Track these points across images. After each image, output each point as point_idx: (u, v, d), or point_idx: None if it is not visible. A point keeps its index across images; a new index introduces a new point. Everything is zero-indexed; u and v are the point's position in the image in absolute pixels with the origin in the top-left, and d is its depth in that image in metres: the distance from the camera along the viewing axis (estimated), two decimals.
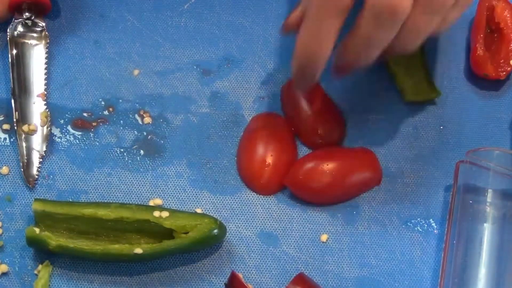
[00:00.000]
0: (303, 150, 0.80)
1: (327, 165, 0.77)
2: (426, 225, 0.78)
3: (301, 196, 0.78)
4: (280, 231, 0.77)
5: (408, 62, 0.84)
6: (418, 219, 0.79)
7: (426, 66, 0.84)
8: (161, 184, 0.78)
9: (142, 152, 0.79)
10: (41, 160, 0.78)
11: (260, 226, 0.78)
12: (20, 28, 0.81)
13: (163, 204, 0.77)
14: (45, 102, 0.80)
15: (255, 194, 0.78)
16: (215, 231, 0.74)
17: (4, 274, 0.74)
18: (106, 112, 0.81)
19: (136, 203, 0.77)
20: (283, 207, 0.78)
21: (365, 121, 0.82)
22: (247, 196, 0.78)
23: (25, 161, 0.77)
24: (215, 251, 0.76)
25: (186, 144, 0.80)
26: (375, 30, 0.68)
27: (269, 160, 0.78)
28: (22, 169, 0.77)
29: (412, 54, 0.84)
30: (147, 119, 0.81)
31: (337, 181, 0.77)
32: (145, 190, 0.78)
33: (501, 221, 0.76)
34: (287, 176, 0.78)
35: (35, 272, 0.74)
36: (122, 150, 0.79)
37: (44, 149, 0.78)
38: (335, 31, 0.69)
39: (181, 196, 0.78)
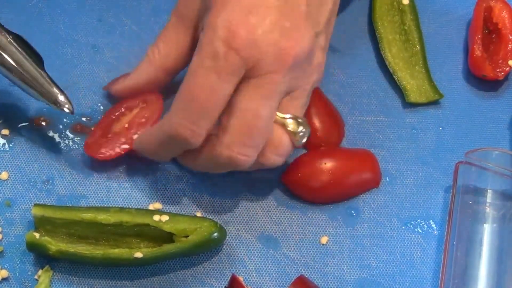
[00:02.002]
0: (302, 152, 0.80)
1: (326, 164, 0.77)
2: (426, 226, 0.78)
3: (299, 195, 0.78)
4: (280, 234, 0.77)
5: (410, 63, 0.84)
6: (418, 220, 0.79)
7: (427, 67, 0.84)
8: (160, 188, 0.78)
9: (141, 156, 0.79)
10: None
11: (260, 229, 0.77)
12: None
13: (163, 208, 0.77)
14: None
15: (254, 197, 0.78)
16: (215, 234, 0.74)
17: (4, 279, 0.74)
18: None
19: (136, 207, 0.77)
20: (282, 209, 0.78)
21: (364, 122, 0.82)
22: (246, 199, 0.78)
23: (55, 94, 0.75)
24: (215, 255, 0.76)
25: None
26: (162, 147, 0.73)
27: None
28: (54, 104, 0.75)
29: (413, 54, 0.84)
30: None
31: (336, 180, 0.77)
32: (144, 194, 0.78)
33: (501, 221, 0.76)
34: (285, 174, 0.78)
35: (36, 277, 0.74)
36: None
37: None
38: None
39: (180, 199, 0.78)
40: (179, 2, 0.76)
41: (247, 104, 0.69)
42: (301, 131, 0.73)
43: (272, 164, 0.73)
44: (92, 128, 0.79)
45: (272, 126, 0.71)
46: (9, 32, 0.74)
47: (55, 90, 0.74)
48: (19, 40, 0.74)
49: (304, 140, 0.73)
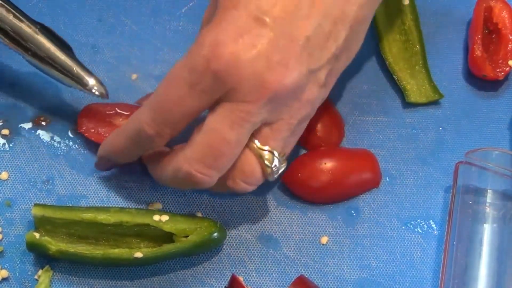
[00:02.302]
0: (302, 152, 0.80)
1: (326, 164, 0.77)
2: (426, 226, 0.78)
3: (299, 195, 0.78)
4: (280, 234, 0.77)
5: (410, 63, 0.84)
6: (418, 220, 0.79)
7: (427, 67, 0.84)
8: (160, 188, 0.78)
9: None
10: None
11: (260, 229, 0.77)
12: None
13: (163, 208, 0.77)
14: None
15: (255, 197, 0.78)
16: (215, 234, 0.74)
17: (4, 279, 0.74)
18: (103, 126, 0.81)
19: (136, 207, 0.77)
20: (282, 209, 0.78)
21: (364, 122, 0.82)
22: (247, 199, 0.78)
23: (86, 78, 0.75)
24: (215, 255, 0.76)
25: None
26: (129, 142, 0.72)
27: None
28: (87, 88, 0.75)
29: (413, 54, 0.84)
30: None
31: (336, 180, 0.77)
32: (144, 194, 0.78)
33: (501, 221, 0.76)
34: (285, 174, 0.78)
35: (36, 277, 0.74)
36: None
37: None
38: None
39: (180, 199, 0.78)
40: (203, 19, 0.76)
41: (215, 125, 0.67)
42: (275, 166, 0.71)
43: (240, 190, 0.72)
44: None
45: (238, 152, 0.69)
46: (36, 23, 0.75)
47: (86, 74, 0.75)
48: (46, 30, 0.75)
49: (277, 175, 0.72)
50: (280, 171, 0.72)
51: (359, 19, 0.71)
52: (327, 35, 0.69)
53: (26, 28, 0.75)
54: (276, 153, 0.70)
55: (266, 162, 0.70)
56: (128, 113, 0.78)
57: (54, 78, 0.76)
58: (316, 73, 0.70)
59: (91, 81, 0.75)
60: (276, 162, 0.70)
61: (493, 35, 0.86)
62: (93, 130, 0.78)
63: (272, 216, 0.78)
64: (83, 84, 0.75)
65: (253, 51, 0.66)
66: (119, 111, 0.79)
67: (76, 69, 0.75)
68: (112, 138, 0.74)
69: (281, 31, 0.67)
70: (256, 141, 0.69)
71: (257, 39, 0.66)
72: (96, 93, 0.75)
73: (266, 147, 0.70)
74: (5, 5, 0.75)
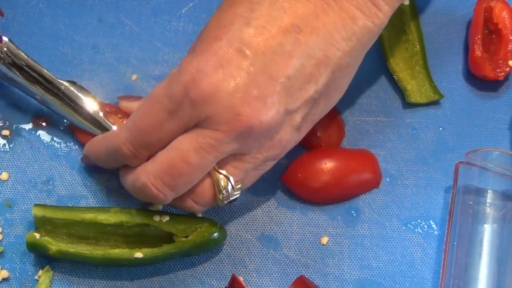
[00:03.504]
0: (302, 152, 0.80)
1: (326, 164, 0.77)
2: (426, 227, 0.78)
3: (299, 195, 0.78)
4: (281, 234, 0.77)
5: (410, 63, 0.84)
6: (418, 220, 0.79)
7: (428, 67, 0.84)
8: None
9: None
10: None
11: (261, 229, 0.77)
12: None
13: (163, 208, 0.77)
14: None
15: (255, 197, 0.78)
16: (215, 234, 0.74)
17: (4, 279, 0.74)
18: None
19: (136, 207, 0.77)
20: (283, 210, 0.78)
21: (364, 122, 0.82)
22: (247, 199, 0.78)
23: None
24: (215, 255, 0.76)
25: None
26: (107, 155, 0.73)
27: None
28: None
29: (413, 54, 0.84)
30: None
31: (336, 181, 0.77)
32: None
33: (501, 221, 0.76)
34: (285, 175, 0.78)
35: (36, 277, 0.74)
36: None
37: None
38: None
39: None
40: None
41: (181, 145, 0.67)
42: (226, 192, 0.70)
43: (188, 208, 0.72)
44: None
45: (199, 177, 0.69)
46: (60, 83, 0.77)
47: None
48: (73, 85, 0.77)
49: (227, 202, 0.71)
50: (231, 199, 0.71)
51: (342, 65, 0.70)
52: (308, 77, 0.68)
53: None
54: (231, 179, 0.70)
55: (220, 186, 0.70)
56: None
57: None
58: (292, 115, 0.69)
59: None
60: (229, 188, 0.70)
61: (493, 36, 0.86)
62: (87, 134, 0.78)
63: (273, 216, 0.78)
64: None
65: (231, 83, 0.66)
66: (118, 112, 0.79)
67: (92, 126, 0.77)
68: (93, 145, 0.75)
69: (262, 66, 0.66)
70: (215, 165, 0.69)
71: (236, 71, 0.66)
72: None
73: (224, 172, 0.70)
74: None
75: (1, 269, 0.74)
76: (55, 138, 0.80)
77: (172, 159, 0.67)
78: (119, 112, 0.78)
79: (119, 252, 0.73)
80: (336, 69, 0.70)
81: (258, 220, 0.78)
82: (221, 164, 0.69)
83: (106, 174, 0.78)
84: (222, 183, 0.70)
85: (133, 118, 0.69)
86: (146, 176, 0.69)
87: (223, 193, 0.70)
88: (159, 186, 0.68)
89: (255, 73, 0.66)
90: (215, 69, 0.66)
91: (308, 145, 0.79)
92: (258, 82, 0.66)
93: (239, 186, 0.71)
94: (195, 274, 0.75)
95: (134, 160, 0.70)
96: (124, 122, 0.72)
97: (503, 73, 0.83)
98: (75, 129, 0.79)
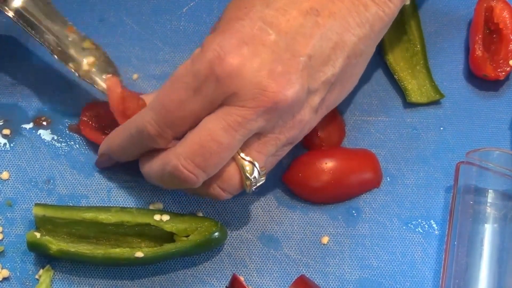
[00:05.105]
0: (302, 152, 0.80)
1: (327, 164, 0.77)
2: (427, 226, 0.78)
3: (300, 195, 0.78)
4: (281, 234, 0.77)
5: (411, 63, 0.84)
6: (419, 220, 0.79)
7: (428, 67, 0.84)
8: (161, 188, 0.78)
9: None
10: None
11: (261, 229, 0.78)
12: None
13: (164, 207, 0.77)
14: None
15: (256, 197, 0.78)
16: (216, 234, 0.74)
17: (5, 279, 0.74)
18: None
19: (137, 207, 0.77)
20: (283, 209, 0.78)
21: (364, 122, 0.82)
22: (247, 199, 0.78)
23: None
24: (216, 254, 0.76)
25: None
26: (131, 141, 0.72)
27: None
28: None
29: (414, 54, 0.84)
30: None
31: (337, 180, 0.77)
32: (145, 194, 0.78)
33: (502, 221, 0.76)
34: (286, 174, 0.78)
35: (36, 277, 0.74)
36: None
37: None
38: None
39: (181, 199, 0.78)
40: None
41: (210, 125, 0.67)
42: (254, 178, 0.71)
43: (215, 195, 0.72)
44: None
45: (228, 157, 0.69)
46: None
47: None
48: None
49: (254, 188, 0.72)
50: (258, 185, 0.72)
51: (356, 51, 0.72)
52: (326, 59, 0.70)
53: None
54: (257, 165, 0.70)
55: (246, 172, 0.70)
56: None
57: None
58: (312, 95, 0.70)
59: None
60: (256, 174, 0.70)
61: (494, 35, 0.86)
62: (94, 130, 0.78)
63: (273, 216, 0.78)
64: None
65: (256, 59, 0.67)
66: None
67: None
68: (114, 136, 0.74)
69: (284, 45, 0.68)
70: (240, 150, 0.70)
71: (261, 48, 0.67)
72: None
73: (248, 158, 0.70)
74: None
75: (2, 269, 0.74)
76: (55, 137, 0.80)
77: (202, 140, 0.67)
78: (139, 98, 0.78)
79: (119, 251, 0.73)
80: (352, 54, 0.71)
81: (259, 220, 0.78)
82: (246, 150, 0.70)
83: (107, 173, 0.79)
84: (248, 169, 0.70)
85: (157, 97, 0.69)
86: (177, 158, 0.68)
87: (251, 180, 0.71)
88: (191, 167, 0.68)
89: (279, 50, 0.67)
90: (239, 46, 0.67)
91: (309, 145, 0.79)
92: (282, 59, 0.67)
93: (264, 171, 0.71)
94: (196, 274, 0.75)
95: (160, 140, 0.70)
96: (148, 103, 0.71)
97: (503, 73, 0.83)
98: (82, 126, 0.78)
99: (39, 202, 0.77)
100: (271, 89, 0.67)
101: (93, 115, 0.79)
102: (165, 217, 0.74)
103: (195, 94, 0.67)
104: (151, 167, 0.72)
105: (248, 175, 0.70)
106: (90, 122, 0.78)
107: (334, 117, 0.81)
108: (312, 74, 0.69)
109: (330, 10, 0.70)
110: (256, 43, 0.67)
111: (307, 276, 0.75)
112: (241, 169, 0.70)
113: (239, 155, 0.70)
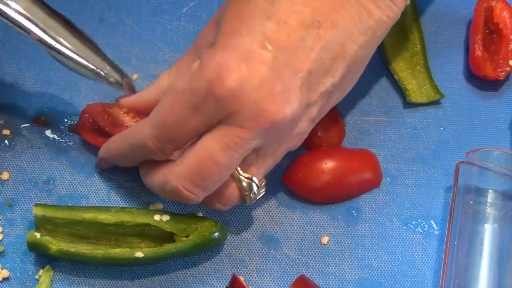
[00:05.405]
0: (302, 152, 0.80)
1: (327, 164, 0.77)
2: (427, 226, 0.78)
3: (300, 195, 0.78)
4: (281, 234, 0.77)
5: (411, 63, 0.84)
6: (419, 220, 0.79)
7: (428, 67, 0.84)
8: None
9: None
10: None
11: (261, 229, 0.77)
12: None
13: (164, 207, 0.77)
14: None
15: None
16: (216, 234, 0.74)
17: (5, 279, 0.74)
18: (106, 117, 0.81)
19: (137, 207, 0.77)
20: (283, 209, 0.78)
21: (364, 122, 0.82)
22: None
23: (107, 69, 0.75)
24: (216, 254, 0.76)
25: None
26: (130, 151, 0.72)
27: None
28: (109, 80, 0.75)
29: (414, 54, 0.84)
30: None
31: (337, 180, 0.77)
32: (145, 194, 0.78)
33: (502, 221, 0.76)
34: (286, 174, 0.78)
35: (36, 277, 0.74)
36: None
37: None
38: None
39: None
40: (199, 33, 0.76)
41: (208, 145, 0.67)
42: (254, 193, 0.71)
43: (215, 208, 0.73)
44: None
45: (227, 175, 0.69)
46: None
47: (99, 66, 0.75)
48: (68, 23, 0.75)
49: (255, 200, 0.72)
50: (258, 197, 0.72)
51: (357, 59, 0.71)
52: (326, 71, 0.69)
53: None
54: (256, 180, 0.71)
55: (245, 190, 0.71)
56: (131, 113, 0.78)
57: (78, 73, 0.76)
58: (310, 108, 0.70)
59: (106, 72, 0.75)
60: (255, 189, 0.71)
61: (494, 35, 0.86)
62: (92, 133, 0.78)
63: (273, 216, 0.78)
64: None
65: (256, 78, 0.66)
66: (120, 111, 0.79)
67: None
68: (113, 144, 0.74)
69: (285, 61, 0.67)
70: (238, 167, 0.70)
71: (260, 68, 0.66)
72: (111, 80, 0.75)
73: (247, 175, 0.70)
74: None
75: (2, 269, 0.74)
76: (55, 138, 0.80)
77: (200, 160, 0.68)
78: (121, 106, 0.78)
79: (119, 251, 0.73)
80: (352, 62, 0.71)
81: (259, 220, 0.78)
82: (244, 166, 0.70)
83: (107, 174, 0.79)
84: (247, 186, 0.71)
85: (157, 113, 0.69)
86: (176, 179, 0.69)
87: (250, 195, 0.71)
88: (190, 187, 0.69)
89: (279, 68, 0.66)
90: (239, 65, 0.66)
91: (309, 145, 0.79)
92: (281, 77, 0.66)
93: (263, 183, 0.72)
94: (196, 274, 0.75)
95: (161, 154, 0.70)
96: (147, 117, 0.71)
97: (503, 73, 0.83)
98: (80, 129, 0.78)
99: (39, 202, 0.77)
100: (270, 110, 0.66)
101: (92, 117, 0.79)
102: (165, 217, 0.74)
103: (195, 112, 0.67)
104: (153, 180, 0.72)
105: (247, 192, 0.71)
106: (89, 125, 0.78)
107: (334, 117, 0.81)
108: (311, 87, 0.69)
109: (332, 20, 0.68)
110: (255, 61, 0.66)
111: (307, 276, 0.75)
112: (240, 186, 0.71)
113: (238, 172, 0.70)
